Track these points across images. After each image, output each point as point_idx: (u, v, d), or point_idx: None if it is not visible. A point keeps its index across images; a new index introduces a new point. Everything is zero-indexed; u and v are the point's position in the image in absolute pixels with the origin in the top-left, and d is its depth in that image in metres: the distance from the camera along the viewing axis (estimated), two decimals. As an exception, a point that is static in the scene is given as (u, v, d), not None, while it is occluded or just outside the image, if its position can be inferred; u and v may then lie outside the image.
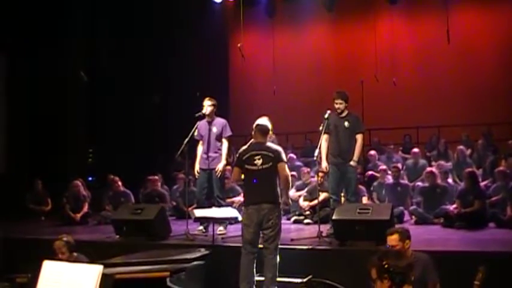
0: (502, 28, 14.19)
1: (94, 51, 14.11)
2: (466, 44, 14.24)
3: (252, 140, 6.29)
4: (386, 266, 3.03)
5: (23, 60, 12.57)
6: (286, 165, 6.05)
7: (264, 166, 5.91)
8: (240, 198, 9.81)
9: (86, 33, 13.90)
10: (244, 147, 6.19)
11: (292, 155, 12.15)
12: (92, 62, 14.13)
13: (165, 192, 11.16)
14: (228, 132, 8.15)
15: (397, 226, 6.26)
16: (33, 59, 12.64)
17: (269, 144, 6.14)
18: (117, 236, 7.99)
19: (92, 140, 14.15)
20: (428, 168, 10.08)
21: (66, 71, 13.37)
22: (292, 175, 7.36)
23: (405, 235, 4.95)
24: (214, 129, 8.07)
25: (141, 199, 11.12)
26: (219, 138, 8.08)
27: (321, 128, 7.63)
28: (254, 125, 6.25)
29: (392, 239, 4.89)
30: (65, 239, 6.22)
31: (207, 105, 8.06)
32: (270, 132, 6.68)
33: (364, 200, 9.62)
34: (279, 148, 6.16)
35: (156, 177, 11.16)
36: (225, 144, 8.11)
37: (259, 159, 5.92)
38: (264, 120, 6.52)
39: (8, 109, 12.66)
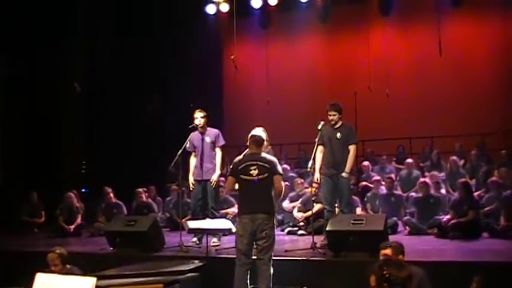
0: (493, 39, 14.28)
1: (90, 63, 14.16)
2: (458, 55, 14.31)
3: (247, 150, 6.29)
4: (386, 275, 3.01)
5: (18, 70, 12.54)
6: (281, 178, 6.06)
7: (259, 176, 5.91)
8: (234, 210, 9.80)
9: (82, 49, 13.98)
10: (239, 158, 6.19)
11: (286, 165, 12.14)
12: (88, 72, 14.17)
13: (151, 202, 11.17)
14: (222, 142, 8.16)
15: (392, 240, 6.23)
16: (30, 66, 12.62)
17: (264, 155, 6.14)
18: (111, 248, 7.95)
19: (86, 151, 14.12)
20: (422, 179, 10.11)
21: (61, 83, 13.38)
22: (285, 185, 7.35)
23: (399, 250, 4.93)
24: (208, 140, 8.08)
25: (132, 211, 11.07)
26: (212, 148, 8.09)
27: (317, 139, 7.66)
28: (249, 136, 6.25)
29: (386, 253, 4.87)
30: (58, 251, 6.17)
31: (199, 117, 8.06)
32: (266, 143, 6.67)
33: (358, 210, 9.63)
34: (274, 159, 6.17)
35: (141, 189, 11.14)
36: (218, 154, 8.11)
37: (255, 169, 5.92)
38: (259, 131, 6.51)
39: (3, 121, 12.63)
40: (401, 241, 5.27)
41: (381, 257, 4.81)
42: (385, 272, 3.02)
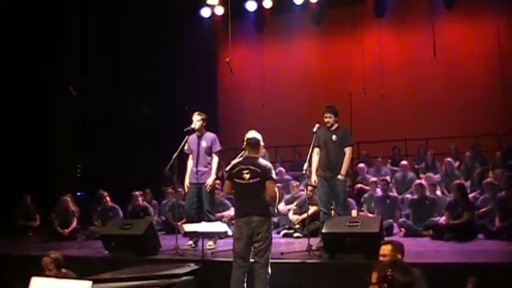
0: (488, 40, 14.32)
1: (84, 67, 14.14)
2: (452, 56, 14.37)
3: (244, 152, 6.29)
4: (389, 276, 3.00)
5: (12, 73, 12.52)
6: (274, 183, 6.02)
7: (251, 181, 5.91)
8: (229, 213, 9.80)
9: (77, 46, 13.97)
10: (234, 161, 6.20)
11: (281, 168, 12.16)
12: (83, 75, 14.14)
13: (148, 206, 11.10)
14: (218, 147, 8.13)
15: (391, 239, 6.24)
16: (25, 70, 12.60)
17: (260, 160, 6.11)
18: (106, 252, 7.93)
19: (81, 154, 14.08)
20: (418, 181, 10.11)
21: (55, 85, 13.35)
22: (278, 186, 7.35)
23: (398, 249, 4.93)
24: (204, 144, 8.06)
25: (127, 216, 11.02)
26: (208, 152, 8.07)
27: (312, 142, 7.65)
28: (245, 139, 6.23)
29: (385, 249, 4.88)
30: (52, 255, 6.14)
31: (196, 120, 8.05)
32: (262, 144, 6.62)
33: (354, 213, 9.62)
34: (268, 164, 6.12)
35: (137, 192, 11.09)
36: (214, 159, 8.08)
37: (247, 173, 5.92)
38: (253, 134, 6.44)
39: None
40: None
41: (381, 253, 4.82)
42: (388, 274, 3.00)
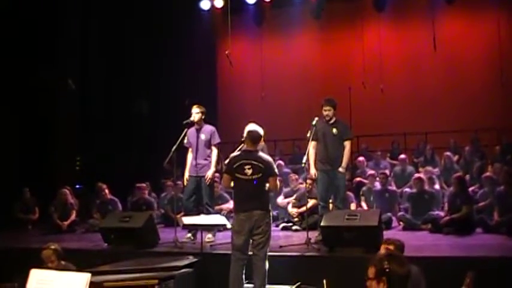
0: (487, 35, 14.32)
1: (84, 61, 14.12)
2: (453, 51, 14.37)
3: (243, 145, 6.25)
4: (387, 269, 3.00)
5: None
6: (276, 179, 6.03)
7: (253, 176, 5.88)
8: (228, 206, 9.80)
9: (77, 40, 13.96)
10: (234, 154, 6.14)
11: (280, 161, 12.15)
12: (83, 75, 14.13)
13: (152, 200, 11.09)
14: (217, 140, 8.14)
15: (386, 236, 6.23)
16: (25, 64, 12.58)
17: (260, 153, 6.06)
18: (105, 244, 7.94)
19: (80, 147, 14.08)
20: (417, 175, 10.13)
21: (55, 79, 13.33)
22: (278, 179, 7.35)
23: (400, 248, 4.93)
24: (203, 137, 8.06)
25: (129, 207, 11.06)
26: (207, 145, 8.07)
27: (308, 134, 7.64)
28: (245, 131, 6.12)
29: (388, 248, 4.87)
30: (53, 247, 6.18)
31: (195, 113, 8.06)
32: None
33: (352, 206, 9.64)
34: (270, 159, 6.09)
35: (144, 184, 11.07)
36: (214, 151, 8.09)
37: (249, 168, 5.87)
38: (255, 126, 6.35)
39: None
40: (398, 238, 5.25)
41: (380, 250, 4.81)
42: (386, 266, 3.00)
